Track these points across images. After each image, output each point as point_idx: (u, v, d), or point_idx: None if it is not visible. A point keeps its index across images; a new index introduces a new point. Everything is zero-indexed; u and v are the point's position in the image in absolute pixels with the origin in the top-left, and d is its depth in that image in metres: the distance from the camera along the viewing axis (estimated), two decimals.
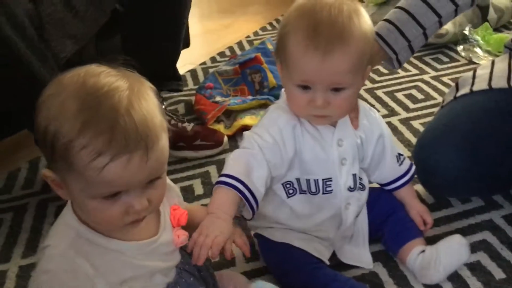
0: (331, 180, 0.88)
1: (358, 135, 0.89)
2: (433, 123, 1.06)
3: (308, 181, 0.87)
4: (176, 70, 1.52)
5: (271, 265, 0.93)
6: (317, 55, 0.74)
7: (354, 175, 0.90)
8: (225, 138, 1.37)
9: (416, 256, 0.90)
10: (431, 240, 0.93)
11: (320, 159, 0.86)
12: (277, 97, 1.61)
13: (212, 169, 1.30)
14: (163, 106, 1.43)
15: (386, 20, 1.00)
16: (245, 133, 0.86)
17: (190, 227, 0.75)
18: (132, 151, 0.55)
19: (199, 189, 1.23)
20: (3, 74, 0.96)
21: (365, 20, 0.79)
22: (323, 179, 0.88)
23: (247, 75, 1.67)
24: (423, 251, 0.90)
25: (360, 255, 0.94)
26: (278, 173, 0.85)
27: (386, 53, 0.99)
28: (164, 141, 0.60)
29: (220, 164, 1.32)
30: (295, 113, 0.84)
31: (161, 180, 0.63)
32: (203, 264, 0.80)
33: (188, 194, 1.20)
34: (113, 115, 0.54)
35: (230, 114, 1.49)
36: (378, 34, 0.98)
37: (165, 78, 1.48)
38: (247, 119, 1.43)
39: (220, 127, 1.44)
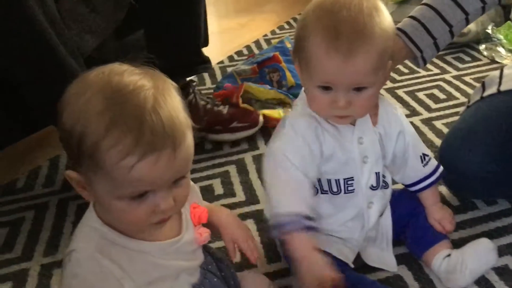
0: (352, 179, 0.86)
1: (377, 132, 0.87)
2: (459, 123, 1.04)
3: (329, 181, 0.86)
4: (201, 53, 1.50)
5: (294, 267, 0.92)
6: (338, 56, 0.73)
7: (377, 174, 0.88)
8: (260, 118, 1.38)
9: (442, 260, 0.88)
10: (457, 244, 0.91)
11: (341, 158, 0.85)
12: (296, 96, 1.63)
13: (232, 169, 1.29)
14: (197, 92, 1.44)
15: (411, 17, 0.99)
16: (273, 150, 0.83)
17: (209, 225, 0.75)
18: (160, 149, 0.54)
19: (219, 189, 1.22)
20: (37, 67, 0.99)
21: (385, 16, 0.77)
22: (344, 179, 0.86)
23: (266, 74, 1.66)
24: (449, 255, 0.88)
25: (384, 257, 0.93)
26: (311, 176, 0.84)
27: (410, 50, 0.97)
28: (189, 138, 0.59)
29: (240, 164, 1.31)
30: (316, 113, 0.83)
31: (186, 179, 0.62)
32: (225, 264, 0.80)
33: (208, 194, 1.19)
34: (140, 113, 0.54)
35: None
36: (402, 31, 0.96)
37: (192, 64, 1.48)
38: (266, 111, 1.44)
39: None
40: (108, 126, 0.53)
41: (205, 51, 1.82)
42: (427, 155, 0.94)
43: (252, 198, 1.17)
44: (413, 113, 1.45)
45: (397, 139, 0.90)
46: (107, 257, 0.60)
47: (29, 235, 1.13)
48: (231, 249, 0.77)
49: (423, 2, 0.99)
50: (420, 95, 1.56)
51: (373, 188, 0.88)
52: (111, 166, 0.54)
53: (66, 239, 1.10)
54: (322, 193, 0.88)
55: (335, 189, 0.87)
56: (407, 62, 1.01)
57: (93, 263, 0.59)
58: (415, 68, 1.61)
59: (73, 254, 0.60)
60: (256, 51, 2.03)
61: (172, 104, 0.57)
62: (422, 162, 0.93)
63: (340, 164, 0.85)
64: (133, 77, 0.57)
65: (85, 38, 1.16)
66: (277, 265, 0.97)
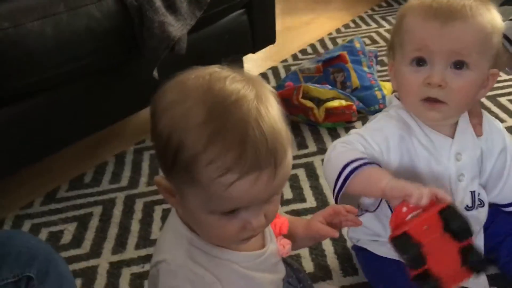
0: None
1: (479, 146, 0.79)
2: None
3: None
4: None
5: (374, 282, 0.86)
6: (436, 21, 0.70)
7: (473, 193, 0.81)
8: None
9: None
10: None
11: (434, 174, 0.77)
12: (360, 99, 1.57)
13: (301, 172, 1.24)
14: None
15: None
16: (352, 130, 0.79)
17: (290, 236, 0.71)
18: (262, 168, 0.50)
19: (287, 193, 1.17)
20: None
21: (494, 11, 0.73)
22: None
23: (329, 73, 1.60)
24: None
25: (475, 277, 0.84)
26: None
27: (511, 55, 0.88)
28: (290, 155, 0.55)
29: (309, 168, 1.26)
30: (406, 105, 0.77)
31: (277, 196, 0.58)
32: (303, 275, 0.75)
33: None
34: (243, 128, 0.49)
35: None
36: (505, 36, 0.87)
37: None
38: (327, 104, 1.40)
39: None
40: (209, 139, 0.49)
41: (270, 49, 1.79)
42: None
43: (323, 204, 1.12)
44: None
45: (498, 157, 0.82)
46: (198, 264, 0.57)
47: (97, 231, 1.12)
48: (329, 229, 0.71)
49: None
50: (503, 100, 1.45)
51: (468, 208, 0.81)
52: (209, 181, 0.50)
53: (134, 237, 1.09)
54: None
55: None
56: None
57: (187, 271, 0.57)
58: None
59: (164, 265, 0.58)
60: (321, 50, 1.97)
61: (274, 117, 0.52)
62: None
63: (432, 180, 0.77)
64: (236, 85, 0.52)
65: (166, 32, 1.19)
66: (354, 278, 0.91)
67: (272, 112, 0.52)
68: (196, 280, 0.56)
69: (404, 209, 0.63)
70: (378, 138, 0.76)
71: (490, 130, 0.81)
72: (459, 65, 0.70)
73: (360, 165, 0.70)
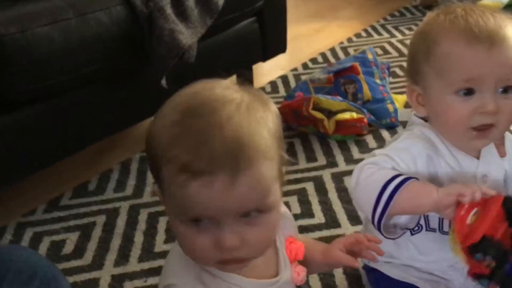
0: None
1: (503, 167, 0.77)
2: None
3: (441, 219, 0.76)
4: None
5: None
6: (482, 46, 0.67)
7: None
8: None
9: None
10: None
11: None
12: (372, 111, 1.54)
13: (309, 186, 1.21)
14: None
15: None
16: (376, 151, 0.76)
17: (305, 262, 0.67)
18: (214, 172, 0.48)
19: (295, 208, 1.14)
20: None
21: None
22: None
23: (340, 85, 1.57)
24: None
25: None
26: None
27: None
28: (264, 169, 0.50)
29: (317, 181, 1.23)
30: (449, 133, 0.73)
31: (262, 217, 0.53)
32: None
33: None
34: (206, 131, 0.49)
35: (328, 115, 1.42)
36: None
37: None
38: (338, 116, 1.38)
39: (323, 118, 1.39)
40: (172, 140, 0.50)
41: (280, 57, 1.77)
42: None
43: (332, 221, 1.09)
44: None
45: None
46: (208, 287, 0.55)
47: (100, 242, 1.10)
48: (349, 259, 0.66)
49: None
50: None
51: None
52: (169, 182, 0.51)
53: (137, 249, 1.07)
54: (427, 230, 0.78)
55: (446, 228, 0.77)
56: None
57: None
58: None
59: None
60: (332, 59, 1.95)
61: (249, 126, 0.51)
62: None
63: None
64: (226, 92, 0.53)
65: (176, 40, 1.18)
66: None
67: (253, 123, 0.51)
68: None
69: (462, 212, 0.63)
70: (405, 158, 0.72)
71: None
72: (506, 90, 0.69)
73: (402, 182, 0.67)
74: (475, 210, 0.63)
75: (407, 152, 0.73)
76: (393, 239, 0.75)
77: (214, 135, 0.49)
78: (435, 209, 0.67)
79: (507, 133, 0.79)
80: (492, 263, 0.62)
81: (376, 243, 0.66)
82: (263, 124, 0.52)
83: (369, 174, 0.70)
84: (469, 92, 0.69)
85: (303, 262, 0.67)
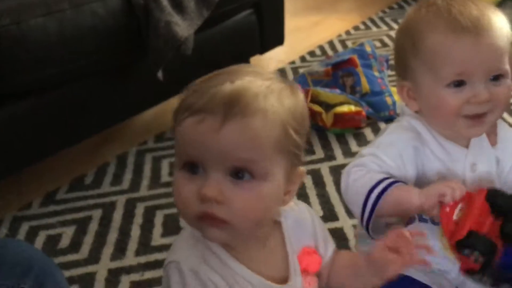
0: None
1: (495, 156, 0.76)
2: None
3: None
4: None
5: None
6: (469, 36, 0.67)
7: None
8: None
9: None
10: None
11: None
12: (370, 104, 1.53)
13: (308, 179, 1.21)
14: None
15: None
16: (363, 151, 0.76)
17: (349, 276, 0.64)
18: (208, 112, 0.51)
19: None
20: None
21: (502, 16, 0.71)
22: None
23: (339, 77, 1.56)
24: None
25: None
26: None
27: None
28: (259, 124, 0.50)
29: (316, 175, 1.22)
30: (442, 125, 0.73)
31: (253, 183, 0.51)
32: None
33: None
34: (220, 83, 0.53)
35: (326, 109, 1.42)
36: None
37: None
38: (336, 109, 1.38)
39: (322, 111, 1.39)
40: (193, 91, 0.54)
41: (278, 50, 1.75)
42: None
43: (330, 214, 1.09)
44: None
45: (511, 169, 0.78)
46: (213, 269, 0.54)
47: (97, 236, 1.09)
48: (394, 257, 0.57)
49: None
50: None
51: None
52: (177, 125, 0.54)
53: (134, 243, 1.06)
54: (420, 221, 0.78)
55: (437, 219, 0.76)
56: None
57: (200, 275, 0.53)
58: None
59: (174, 265, 0.54)
60: (330, 52, 1.93)
61: (269, 97, 0.53)
62: None
63: None
64: (259, 76, 0.55)
65: (172, 31, 1.16)
66: None
67: (271, 97, 0.52)
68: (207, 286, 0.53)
69: (447, 209, 0.62)
70: (391, 154, 0.73)
71: (506, 138, 0.78)
72: (497, 78, 0.69)
73: (385, 189, 0.67)
74: (459, 206, 0.62)
75: (392, 147, 0.73)
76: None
77: (225, 85, 0.52)
78: (420, 211, 0.68)
79: (500, 121, 0.79)
80: (481, 258, 0.61)
81: (421, 237, 0.58)
82: (283, 104, 0.53)
83: (356, 177, 0.71)
84: (460, 83, 0.69)
85: (347, 277, 0.64)
